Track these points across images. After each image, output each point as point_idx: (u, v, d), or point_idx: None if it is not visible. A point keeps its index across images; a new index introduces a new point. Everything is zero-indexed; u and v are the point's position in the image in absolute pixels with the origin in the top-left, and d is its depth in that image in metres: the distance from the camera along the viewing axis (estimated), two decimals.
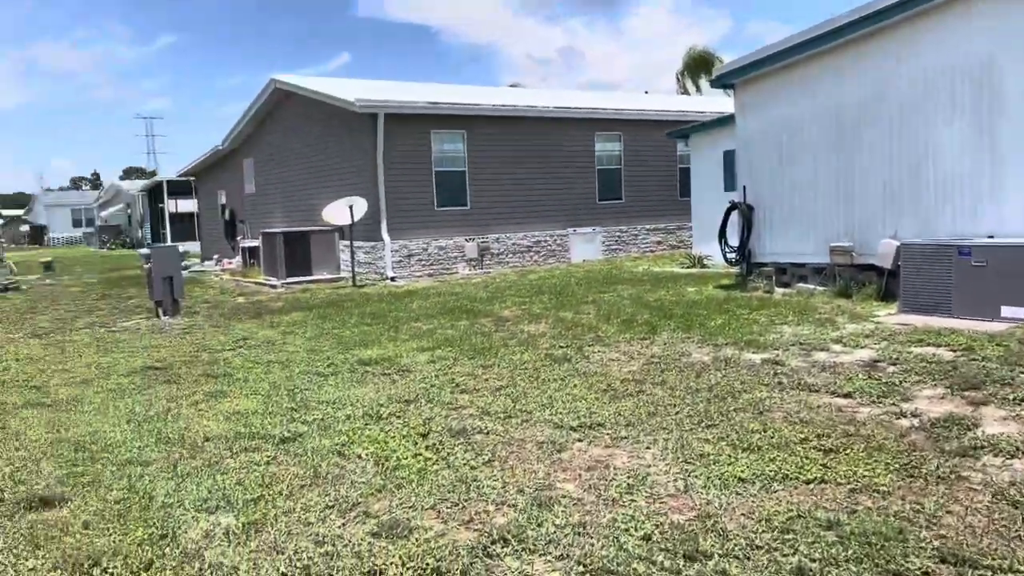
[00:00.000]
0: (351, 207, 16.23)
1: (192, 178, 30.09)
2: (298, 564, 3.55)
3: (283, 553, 3.66)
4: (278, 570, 3.50)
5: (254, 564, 3.57)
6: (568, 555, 3.53)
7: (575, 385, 6.67)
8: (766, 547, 3.51)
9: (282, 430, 5.70)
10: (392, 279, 16.72)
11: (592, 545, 3.61)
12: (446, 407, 6.18)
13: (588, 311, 10.82)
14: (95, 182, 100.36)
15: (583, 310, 10.94)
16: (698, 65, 41.34)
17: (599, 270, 17.05)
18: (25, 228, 71.96)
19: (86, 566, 3.59)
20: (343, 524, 3.99)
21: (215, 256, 25.38)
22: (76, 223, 69.35)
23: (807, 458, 4.59)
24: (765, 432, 5.11)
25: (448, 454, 4.98)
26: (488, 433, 5.43)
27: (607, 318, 10.04)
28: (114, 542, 3.84)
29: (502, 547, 3.64)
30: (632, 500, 4.14)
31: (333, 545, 3.74)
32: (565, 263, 19.62)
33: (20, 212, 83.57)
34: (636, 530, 3.74)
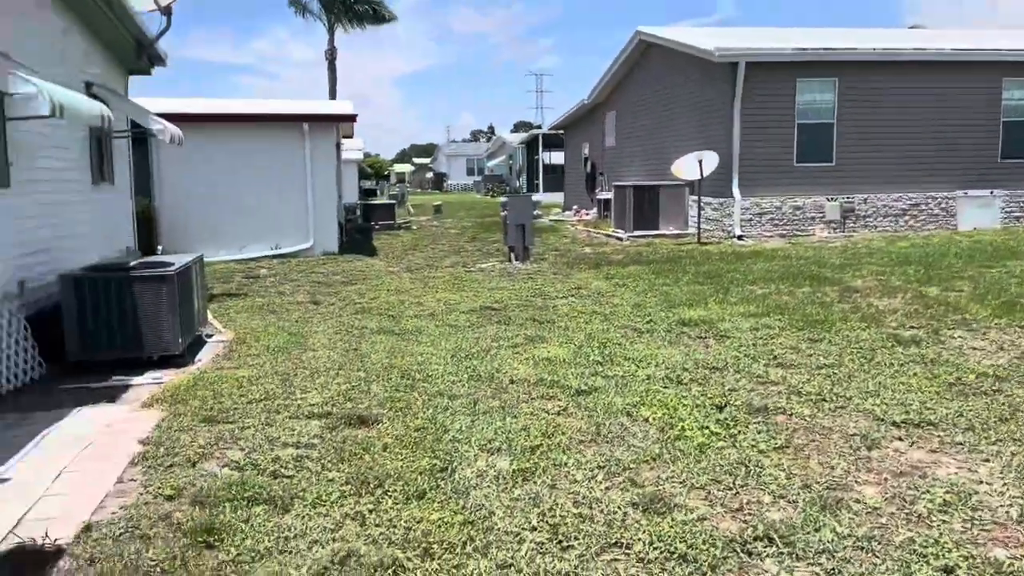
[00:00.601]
0: (700, 161, 15.77)
1: (561, 131, 31.67)
2: (549, 520, 3.52)
3: (539, 506, 3.67)
4: (528, 522, 3.51)
5: (509, 511, 3.62)
6: (839, 571, 3.03)
7: (914, 374, 5.75)
8: None
9: (581, 382, 5.74)
10: (739, 238, 16.01)
11: (874, 565, 3.06)
12: (754, 380, 5.72)
13: (961, 288, 9.29)
14: (490, 135, 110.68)
15: (954, 286, 9.42)
16: None
17: (990, 241, 14.56)
18: (430, 175, 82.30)
19: (372, 485, 3.94)
20: (606, 488, 3.88)
21: (574, 207, 26.56)
22: (469, 172, 77.41)
23: None
24: None
25: (738, 432, 4.60)
26: (791, 415, 4.91)
27: (982, 298, 8.52)
28: (400, 467, 4.17)
29: (764, 546, 3.25)
30: (943, 521, 3.43)
31: (589, 508, 3.65)
32: (948, 231, 17.09)
33: (427, 160, 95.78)
34: (936, 558, 3.10)
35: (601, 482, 3.96)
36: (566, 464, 4.19)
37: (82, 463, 4.43)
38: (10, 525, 3.54)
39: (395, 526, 3.51)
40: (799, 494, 3.74)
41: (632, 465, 4.16)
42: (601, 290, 10.20)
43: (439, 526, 3.49)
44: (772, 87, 16.44)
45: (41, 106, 5.05)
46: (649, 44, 20.54)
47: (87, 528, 3.53)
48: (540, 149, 43.66)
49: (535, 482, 3.97)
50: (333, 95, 36.92)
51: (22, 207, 6.91)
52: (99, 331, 6.50)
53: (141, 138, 11.83)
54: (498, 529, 3.46)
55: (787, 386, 5.54)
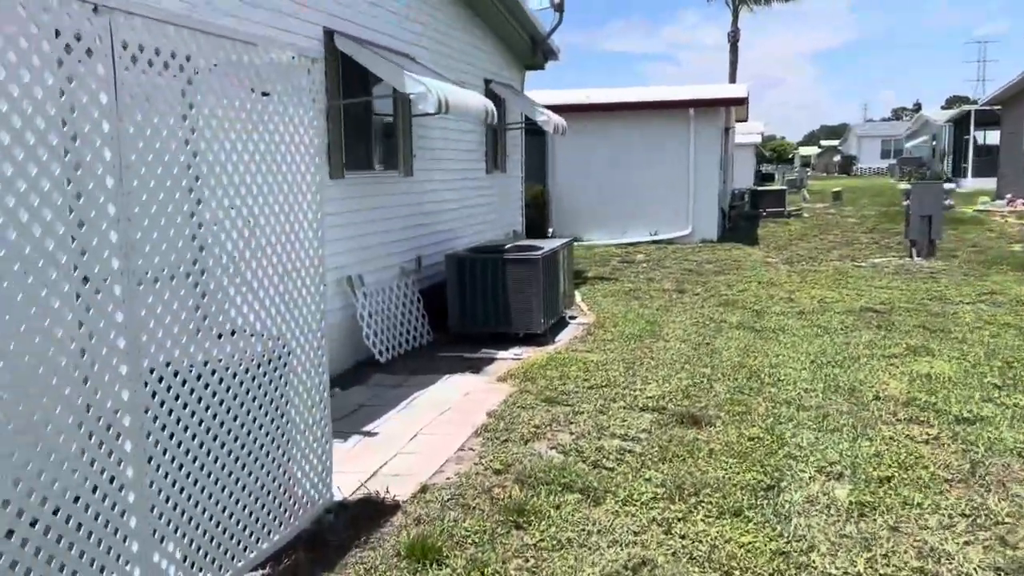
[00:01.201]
0: None
1: (997, 107, 27.14)
2: (879, 568, 3.02)
3: (871, 550, 3.16)
4: (853, 565, 3.04)
5: (831, 548, 3.18)
6: None
7: None
8: None
9: (964, 408, 4.85)
10: None
11: None
12: None
13: None
14: (914, 113, 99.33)
15: None
16: None
17: None
18: (837, 158, 76.69)
19: (687, 492, 3.75)
20: (965, 543, 3.21)
21: (1007, 195, 22.59)
22: (884, 154, 70.42)
23: None
24: None
25: None
26: None
27: None
28: (722, 477, 3.91)
29: None
30: None
31: (936, 563, 3.05)
32: None
33: (836, 142, 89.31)
34: None
35: (960, 534, 3.28)
36: (919, 505, 3.56)
37: (437, 426, 4.91)
38: (366, 476, 4.05)
39: (700, 541, 3.29)
40: None
41: (1007, 520, 3.39)
42: (1022, 297, 8.54)
43: (748, 551, 3.19)
44: None
45: (429, 104, 5.65)
46: None
47: (423, 489, 3.89)
48: (971, 128, 37.99)
49: (874, 520, 3.43)
50: (733, 78, 36.13)
51: (422, 193, 7.87)
52: (475, 306, 7.16)
53: (540, 130, 12.73)
54: (814, 567, 3.06)
55: None
